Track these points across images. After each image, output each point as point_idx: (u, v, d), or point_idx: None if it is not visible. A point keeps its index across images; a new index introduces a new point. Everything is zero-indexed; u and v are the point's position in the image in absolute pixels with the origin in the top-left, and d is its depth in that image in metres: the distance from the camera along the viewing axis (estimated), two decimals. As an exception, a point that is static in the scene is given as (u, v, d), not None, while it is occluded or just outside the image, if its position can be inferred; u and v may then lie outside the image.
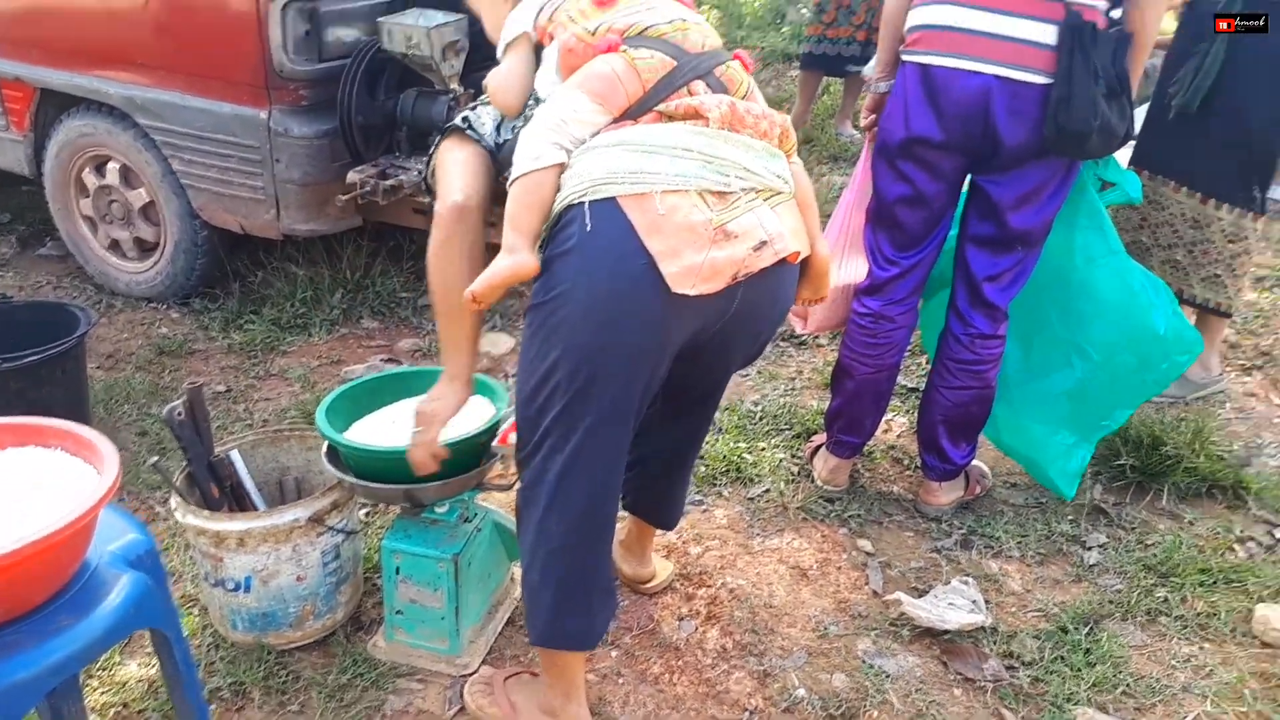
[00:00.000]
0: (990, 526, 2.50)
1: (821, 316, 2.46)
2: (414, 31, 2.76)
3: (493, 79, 1.71)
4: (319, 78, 2.91)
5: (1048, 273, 2.30)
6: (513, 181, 1.53)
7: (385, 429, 1.99)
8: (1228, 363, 3.29)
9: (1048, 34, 2.00)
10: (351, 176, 2.90)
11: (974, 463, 2.61)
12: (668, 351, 1.55)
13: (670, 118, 1.53)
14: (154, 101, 3.02)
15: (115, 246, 3.44)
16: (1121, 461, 2.65)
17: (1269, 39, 2.68)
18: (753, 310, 1.59)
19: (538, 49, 1.71)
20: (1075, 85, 1.96)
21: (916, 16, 2.14)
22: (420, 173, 2.90)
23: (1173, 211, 2.94)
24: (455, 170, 1.64)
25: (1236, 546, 2.46)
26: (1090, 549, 2.44)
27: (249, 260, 3.54)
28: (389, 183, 2.86)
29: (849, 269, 2.42)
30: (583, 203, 1.46)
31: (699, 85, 1.57)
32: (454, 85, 2.91)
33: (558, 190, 1.51)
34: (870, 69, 2.56)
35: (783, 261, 1.55)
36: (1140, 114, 3.07)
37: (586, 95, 1.53)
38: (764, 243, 1.50)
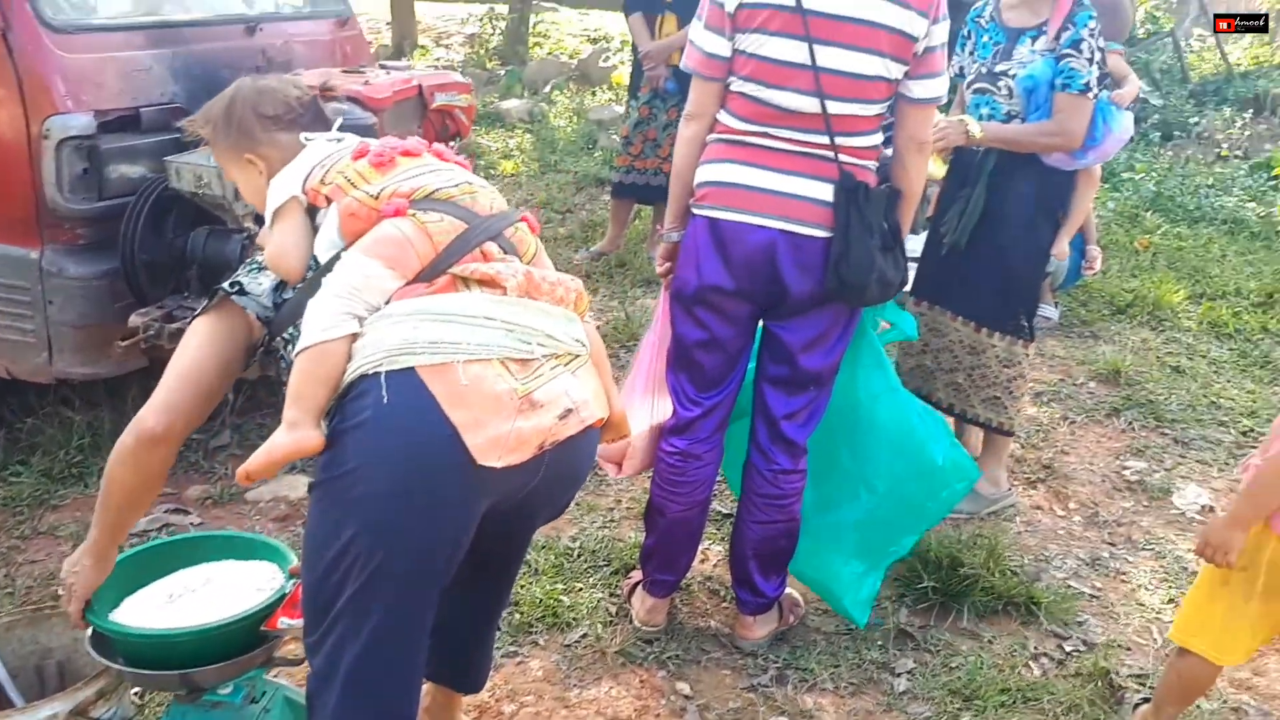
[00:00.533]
0: (804, 658, 2.52)
1: (635, 461, 2.47)
2: (204, 171, 2.66)
3: (269, 247, 1.63)
4: (99, 215, 2.75)
5: (835, 410, 2.41)
6: (299, 353, 1.45)
7: (162, 606, 1.82)
8: (1014, 477, 3.50)
9: (825, 192, 2.13)
10: (134, 320, 2.73)
11: (787, 590, 2.65)
12: (471, 525, 1.49)
13: (465, 282, 1.50)
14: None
15: None
16: (924, 584, 2.74)
17: (1022, 185, 2.95)
18: (558, 476, 1.57)
19: (310, 210, 1.65)
20: (852, 241, 2.09)
21: (704, 173, 2.24)
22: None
23: (951, 338, 3.15)
24: (188, 366, 1.56)
25: (1031, 664, 2.57)
26: (899, 675, 2.49)
27: (17, 405, 3.25)
28: (174, 326, 2.70)
29: (657, 409, 2.44)
30: (379, 373, 1.40)
31: (492, 247, 1.55)
32: (248, 223, 2.81)
33: (348, 361, 1.44)
34: None
35: (587, 427, 1.53)
36: (918, 242, 3.34)
37: (377, 260, 1.48)
38: (569, 410, 1.48)
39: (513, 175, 6.99)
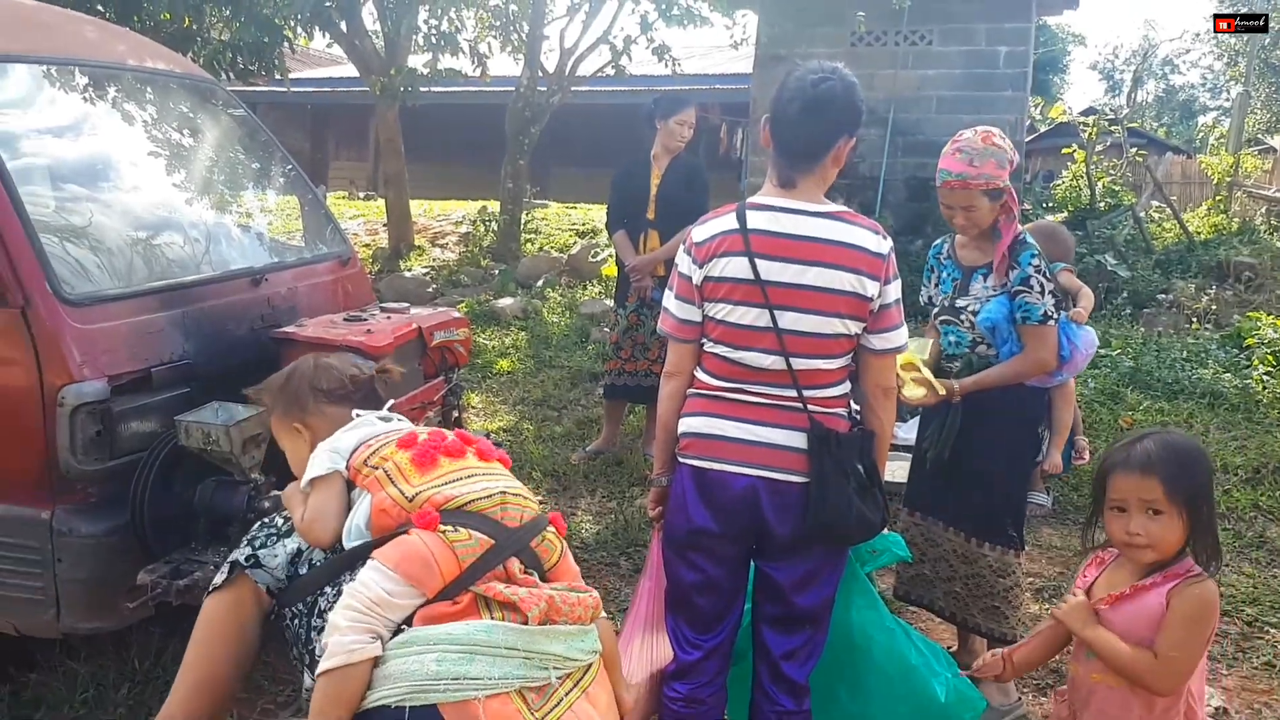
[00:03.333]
0: None
1: (639, 711, 2.47)
2: (213, 429, 2.76)
3: (307, 513, 1.70)
4: (110, 474, 2.82)
5: (832, 649, 2.44)
6: (321, 673, 1.49)
7: None
8: (1024, 684, 3.46)
9: (799, 440, 2.25)
10: (142, 577, 2.75)
11: None
12: None
13: (487, 603, 1.54)
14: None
15: None
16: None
17: (998, 401, 3.08)
18: None
19: (349, 482, 1.73)
20: (828, 486, 2.19)
21: (686, 425, 2.37)
22: (217, 566, 2.79)
23: (945, 548, 3.21)
24: (203, 667, 1.63)
25: None
26: None
27: (19, 663, 3.23)
28: (183, 582, 2.73)
29: (657, 655, 2.46)
30: (404, 708, 1.44)
31: (515, 565, 1.61)
32: (254, 474, 2.89)
33: (369, 684, 1.48)
34: None
35: None
36: (908, 430, 3.45)
37: (401, 577, 1.53)
38: None
39: (509, 373, 7.16)
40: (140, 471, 2.82)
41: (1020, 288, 2.99)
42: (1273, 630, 3.86)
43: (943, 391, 3.06)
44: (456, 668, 1.45)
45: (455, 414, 3.81)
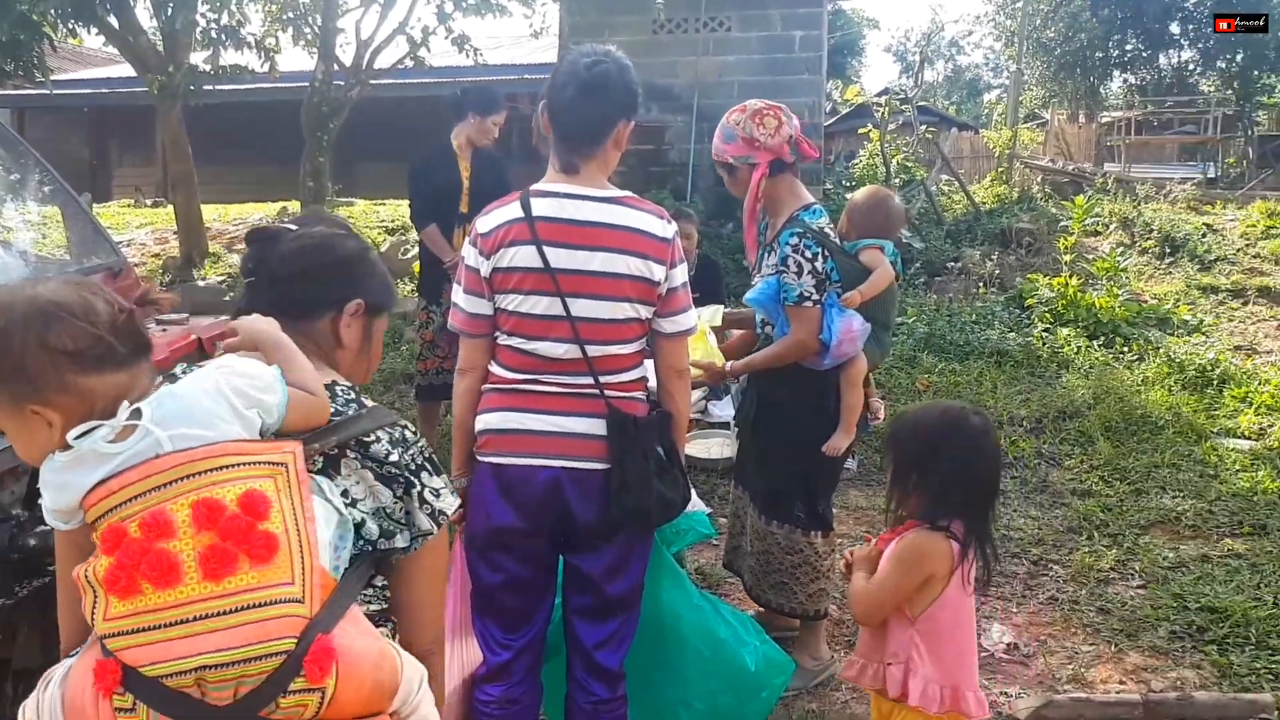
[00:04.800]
0: None
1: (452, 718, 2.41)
2: (-39, 465, 2.51)
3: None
4: None
5: (643, 634, 2.45)
6: None
7: None
8: (836, 642, 3.61)
9: (598, 427, 2.25)
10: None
11: None
12: None
13: None
14: None
15: None
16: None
17: (782, 386, 3.15)
18: None
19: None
20: (628, 470, 2.20)
21: (483, 422, 2.32)
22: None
23: (748, 524, 3.30)
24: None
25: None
26: None
27: None
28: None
29: (467, 659, 2.41)
30: None
31: None
32: (15, 510, 2.65)
33: None
34: None
35: None
36: (723, 407, 3.49)
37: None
38: None
39: (318, 381, 6.88)
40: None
41: (780, 267, 3.03)
42: (1056, 568, 4.18)
43: (719, 367, 3.12)
44: None
45: (250, 427, 3.61)
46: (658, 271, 2.32)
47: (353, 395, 1.62)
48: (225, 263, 9.95)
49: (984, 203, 11.86)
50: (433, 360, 5.29)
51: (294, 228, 1.72)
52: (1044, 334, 7.51)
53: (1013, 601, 3.91)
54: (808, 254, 3.02)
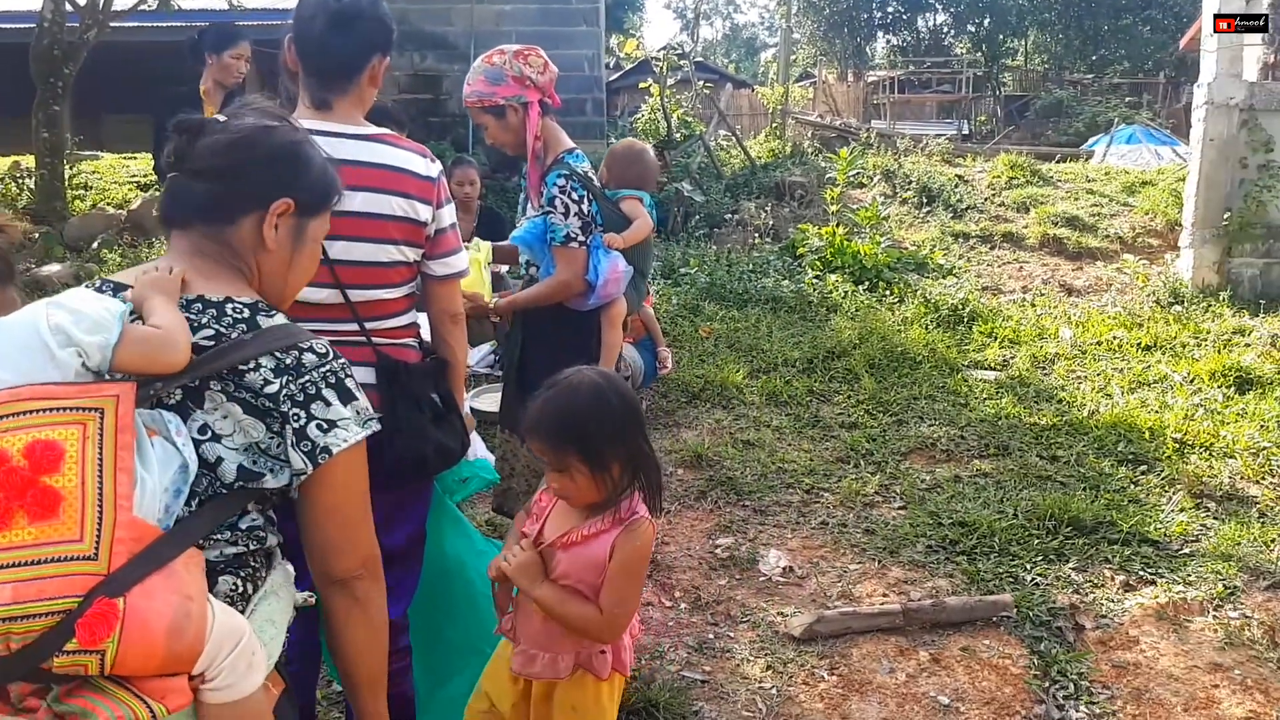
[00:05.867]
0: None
1: None
2: None
3: None
4: None
5: (428, 582, 2.40)
6: None
7: None
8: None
9: (367, 375, 2.15)
10: None
11: None
12: None
13: None
14: None
15: None
16: (548, 718, 2.79)
17: (546, 324, 3.17)
18: None
19: None
20: (402, 418, 2.12)
21: None
22: None
23: (522, 464, 3.31)
24: None
25: (657, 769, 2.70)
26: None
27: None
28: None
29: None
30: None
31: (15, 691, 1.22)
32: None
33: None
34: None
35: None
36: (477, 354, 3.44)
37: None
38: None
39: (65, 349, 6.30)
40: None
41: (547, 208, 3.05)
42: (826, 494, 4.43)
43: (484, 302, 3.11)
44: None
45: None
46: (424, 212, 2.24)
47: (244, 315, 1.48)
48: (-53, 223, 8.88)
49: (759, 157, 12.30)
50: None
51: (222, 119, 1.57)
52: (814, 280, 7.90)
53: (788, 529, 4.12)
54: (574, 196, 3.04)
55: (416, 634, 2.45)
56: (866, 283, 7.91)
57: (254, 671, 1.35)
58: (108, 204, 9.61)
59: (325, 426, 1.46)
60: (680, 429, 5.21)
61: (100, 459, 1.22)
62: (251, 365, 1.42)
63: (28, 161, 9.62)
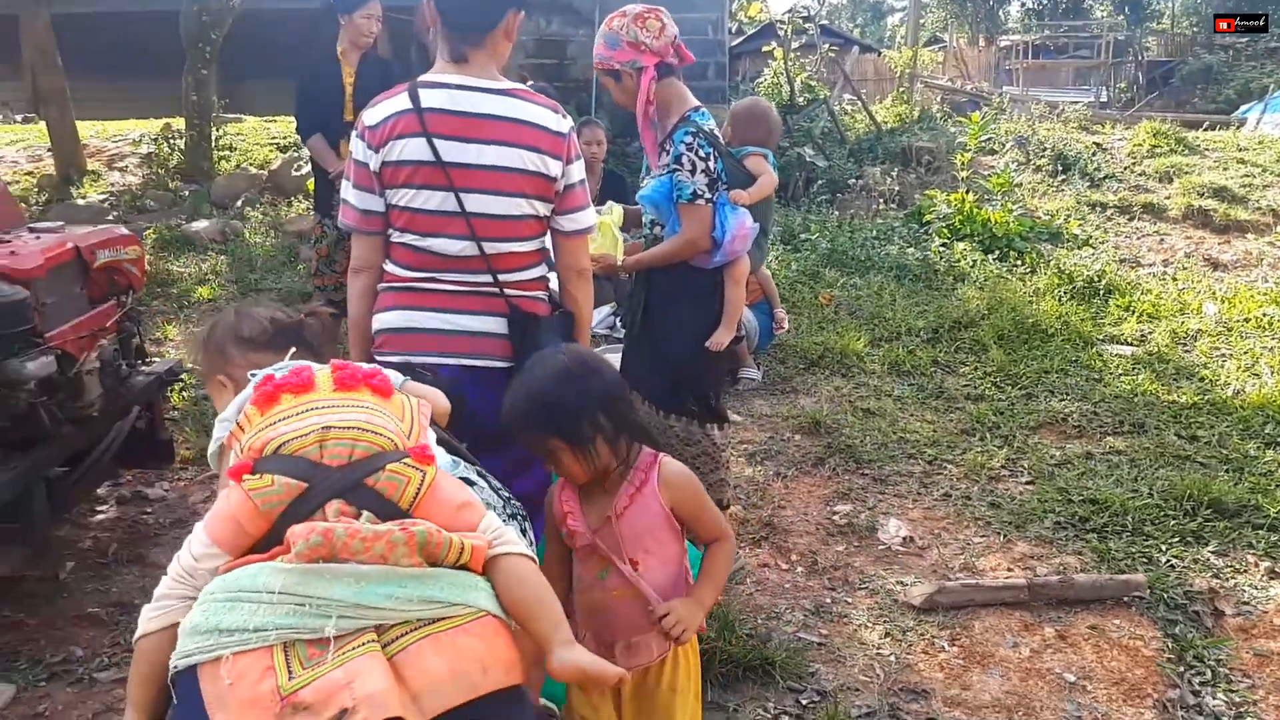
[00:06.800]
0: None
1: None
2: None
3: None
4: None
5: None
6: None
7: None
8: (740, 539, 3.70)
9: (499, 325, 2.22)
10: None
11: (542, 703, 2.63)
12: None
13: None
14: None
15: None
16: (666, 669, 2.83)
17: (670, 283, 3.18)
18: None
19: None
20: None
21: (380, 321, 2.28)
22: None
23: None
24: None
25: (774, 726, 2.72)
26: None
27: None
28: None
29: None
30: (177, 673, 1.27)
31: (333, 507, 1.37)
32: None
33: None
34: None
35: None
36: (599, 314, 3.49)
37: (208, 538, 1.38)
38: (345, 712, 1.19)
39: (210, 300, 6.65)
40: None
41: (674, 165, 3.04)
42: (949, 466, 4.34)
43: (612, 259, 3.14)
44: (214, 619, 1.26)
45: (136, 341, 3.47)
46: (553, 166, 2.28)
47: None
48: (106, 181, 9.43)
49: (885, 122, 11.98)
50: (330, 276, 5.14)
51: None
52: (941, 248, 7.68)
53: (908, 499, 4.06)
54: (701, 153, 3.03)
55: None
56: (996, 252, 7.65)
57: (522, 544, 1.52)
58: (250, 164, 10.05)
59: None
60: (798, 395, 5.17)
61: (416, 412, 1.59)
62: None
63: (178, 124, 10.12)
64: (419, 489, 1.41)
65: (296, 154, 9.96)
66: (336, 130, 4.96)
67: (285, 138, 10.84)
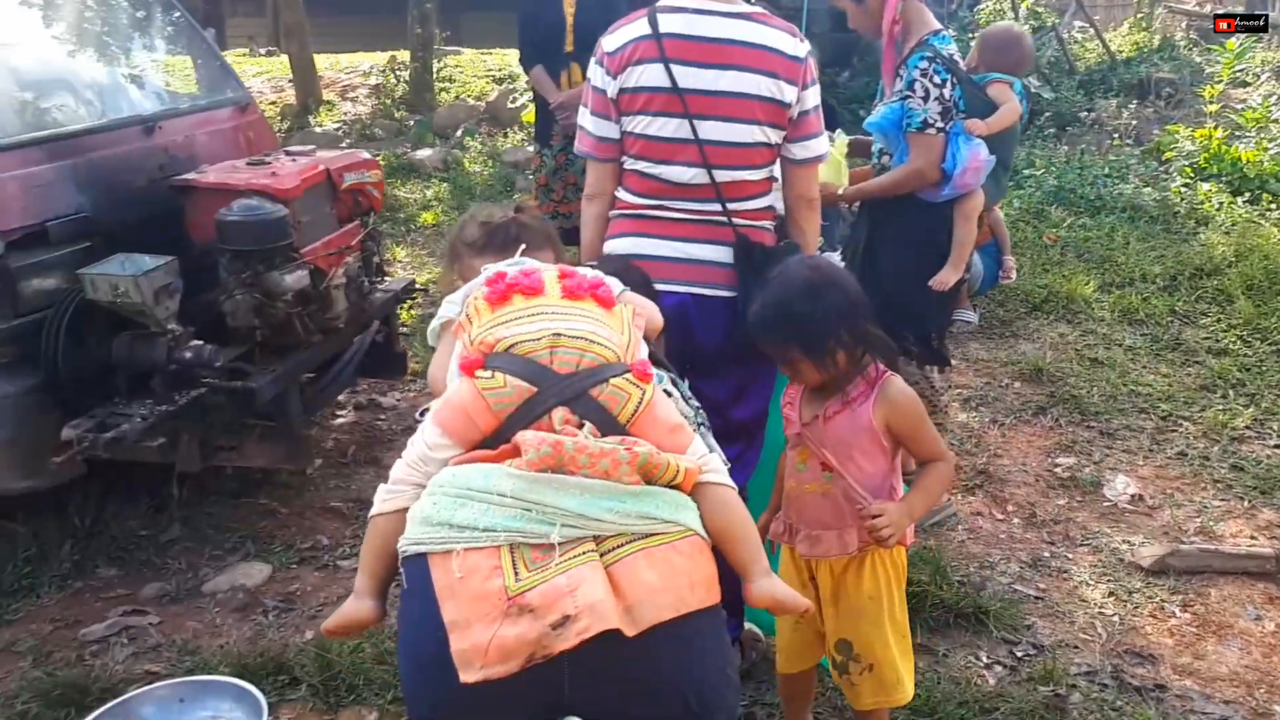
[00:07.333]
0: (769, 693, 2.56)
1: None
2: (120, 280, 2.64)
3: (431, 366, 1.72)
4: (17, 333, 2.71)
5: (767, 464, 2.45)
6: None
7: None
8: (953, 486, 3.60)
9: (725, 254, 2.23)
10: (66, 433, 2.69)
11: (746, 627, 2.69)
12: None
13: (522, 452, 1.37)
14: None
15: None
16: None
17: (894, 218, 3.06)
18: (601, 703, 1.29)
19: None
20: (753, 296, 2.17)
21: (611, 247, 2.34)
22: (144, 418, 2.73)
23: None
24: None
25: (985, 673, 2.66)
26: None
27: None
28: (109, 435, 2.66)
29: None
30: (406, 556, 1.36)
31: (559, 415, 1.40)
32: (171, 325, 2.79)
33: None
34: None
35: (621, 636, 1.24)
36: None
37: (439, 429, 1.45)
38: (567, 619, 1.22)
39: (434, 226, 6.99)
40: (48, 328, 2.72)
41: (906, 92, 2.92)
42: (1185, 424, 4.05)
43: (833, 188, 3.06)
44: (445, 513, 1.32)
45: (376, 260, 3.70)
46: (789, 93, 2.23)
47: None
48: (339, 110, 10.02)
49: (1120, 51, 11.03)
50: (547, 205, 5.28)
51: None
52: (1183, 189, 7.06)
53: (1138, 455, 3.82)
54: (936, 79, 2.90)
55: (757, 509, 2.54)
56: (1248, 194, 6.95)
57: (725, 474, 1.54)
58: (469, 96, 10.41)
59: None
60: (1018, 340, 4.93)
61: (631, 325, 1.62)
62: None
63: (403, 56, 10.59)
64: (638, 405, 1.44)
65: (511, 86, 10.24)
66: (557, 61, 5.03)
67: (501, 70, 11.14)
